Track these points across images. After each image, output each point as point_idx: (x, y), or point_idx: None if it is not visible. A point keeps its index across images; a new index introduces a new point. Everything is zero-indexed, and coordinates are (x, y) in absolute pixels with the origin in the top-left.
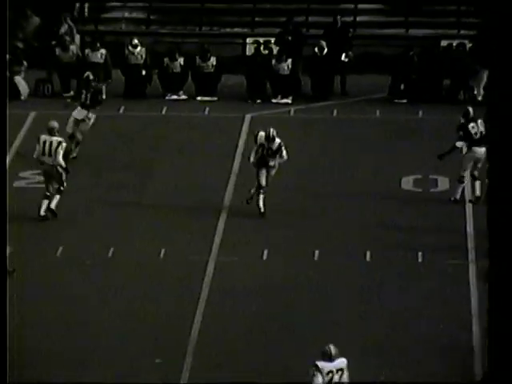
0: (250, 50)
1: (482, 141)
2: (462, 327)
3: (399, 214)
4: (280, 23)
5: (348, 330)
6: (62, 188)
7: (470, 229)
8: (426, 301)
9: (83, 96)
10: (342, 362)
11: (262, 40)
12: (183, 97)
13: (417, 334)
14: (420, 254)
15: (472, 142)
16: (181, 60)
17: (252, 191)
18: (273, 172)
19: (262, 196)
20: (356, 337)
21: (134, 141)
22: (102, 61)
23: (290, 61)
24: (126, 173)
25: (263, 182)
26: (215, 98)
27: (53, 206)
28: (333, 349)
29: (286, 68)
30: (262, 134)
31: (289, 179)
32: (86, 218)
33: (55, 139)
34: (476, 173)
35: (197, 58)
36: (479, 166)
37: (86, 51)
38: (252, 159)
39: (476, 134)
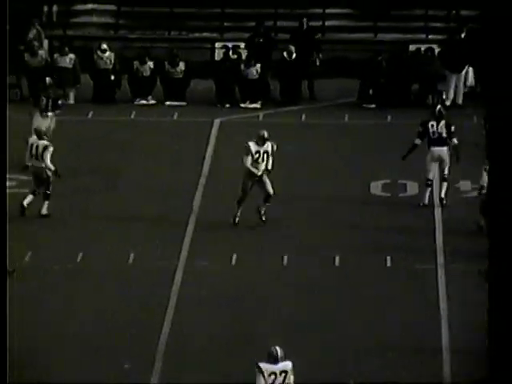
0: (218, 55)
1: (441, 142)
2: (430, 330)
3: (368, 218)
4: (248, 28)
5: (317, 336)
6: (48, 192)
7: (438, 233)
8: (395, 305)
9: (43, 103)
10: (286, 365)
11: (230, 45)
12: (152, 101)
13: (386, 339)
14: (389, 258)
15: (430, 141)
16: (150, 64)
17: (261, 209)
18: (269, 186)
19: (241, 209)
20: (325, 342)
21: (103, 145)
22: (70, 66)
23: (258, 65)
24: (94, 177)
25: (245, 198)
26: (184, 103)
27: (44, 211)
28: (279, 351)
29: (254, 73)
30: (251, 143)
31: None
32: (55, 223)
33: (42, 142)
34: (445, 174)
35: (166, 63)
36: (444, 166)
37: (55, 56)
38: (255, 171)
39: (434, 133)
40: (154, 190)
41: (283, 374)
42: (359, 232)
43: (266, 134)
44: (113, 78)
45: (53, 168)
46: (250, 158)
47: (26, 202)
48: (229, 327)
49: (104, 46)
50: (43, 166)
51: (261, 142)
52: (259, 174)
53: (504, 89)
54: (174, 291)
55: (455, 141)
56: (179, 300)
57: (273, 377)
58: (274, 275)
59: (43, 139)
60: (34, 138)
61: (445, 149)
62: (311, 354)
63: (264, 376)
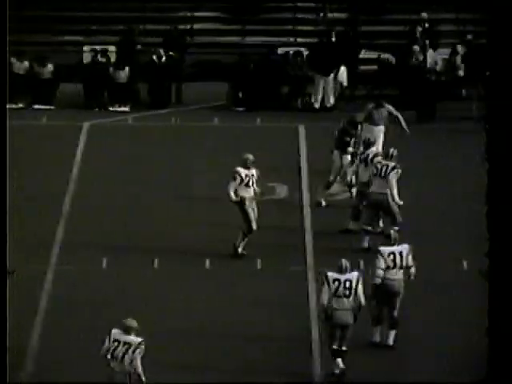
0: (86, 58)
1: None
2: (301, 328)
3: (237, 221)
4: (117, 31)
5: (189, 332)
6: None
7: (308, 235)
8: (265, 306)
9: None
10: (135, 339)
11: (99, 48)
12: (20, 105)
13: (256, 337)
14: (259, 260)
15: None
16: (26, 63)
17: (239, 241)
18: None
19: (246, 240)
20: (195, 338)
21: None
22: None
23: (127, 69)
24: None
25: (255, 226)
26: (52, 107)
27: None
28: (130, 322)
29: (123, 76)
30: (239, 168)
31: (128, 188)
32: None
33: None
34: (330, 180)
35: (34, 65)
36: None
37: None
38: (246, 194)
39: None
40: (23, 193)
41: (126, 346)
42: (229, 235)
43: (252, 158)
44: None
45: None
46: (235, 182)
47: None
48: (99, 329)
49: None
50: None
51: (248, 165)
52: (251, 194)
53: (504, 91)
54: (43, 295)
55: (350, 149)
56: (49, 303)
57: (116, 344)
58: (145, 278)
59: None
60: None
61: (334, 152)
62: (187, 348)
63: (109, 341)
